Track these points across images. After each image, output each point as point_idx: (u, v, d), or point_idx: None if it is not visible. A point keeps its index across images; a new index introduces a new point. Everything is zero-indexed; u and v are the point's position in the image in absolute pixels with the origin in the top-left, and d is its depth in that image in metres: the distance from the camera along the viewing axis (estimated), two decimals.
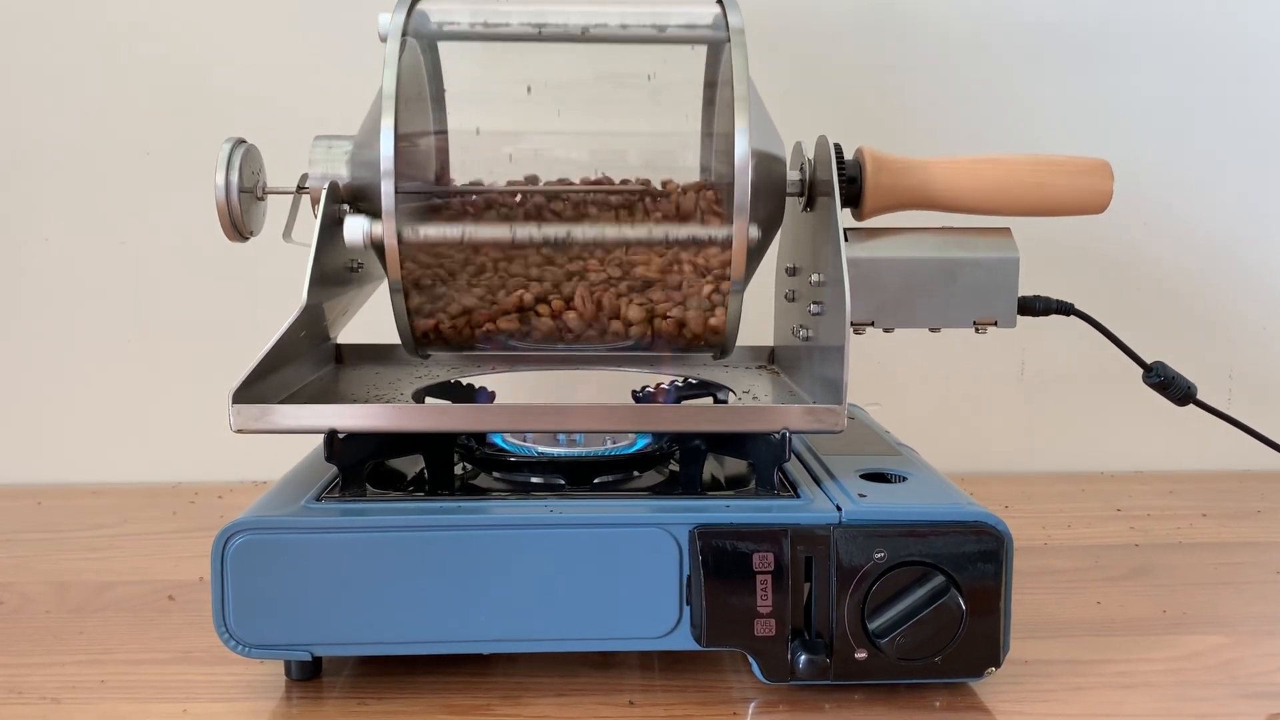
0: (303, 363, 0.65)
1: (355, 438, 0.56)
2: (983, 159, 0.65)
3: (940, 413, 1.00)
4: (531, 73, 0.64)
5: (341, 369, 0.74)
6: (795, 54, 0.95)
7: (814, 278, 0.63)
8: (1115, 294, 0.97)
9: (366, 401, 0.64)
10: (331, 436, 0.55)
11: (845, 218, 0.62)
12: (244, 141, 0.63)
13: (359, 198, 0.61)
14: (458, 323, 0.62)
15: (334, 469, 0.58)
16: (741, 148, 0.57)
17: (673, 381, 0.72)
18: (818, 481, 0.59)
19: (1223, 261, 1.00)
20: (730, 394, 0.70)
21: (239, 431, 0.55)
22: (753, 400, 0.66)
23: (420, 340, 0.62)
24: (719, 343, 0.63)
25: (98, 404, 0.95)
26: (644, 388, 0.72)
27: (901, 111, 0.96)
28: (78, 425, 0.96)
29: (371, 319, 0.72)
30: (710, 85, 0.67)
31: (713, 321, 0.62)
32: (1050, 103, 0.97)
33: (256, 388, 0.56)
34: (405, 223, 0.58)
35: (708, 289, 0.61)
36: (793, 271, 0.70)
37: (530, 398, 0.76)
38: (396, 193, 0.57)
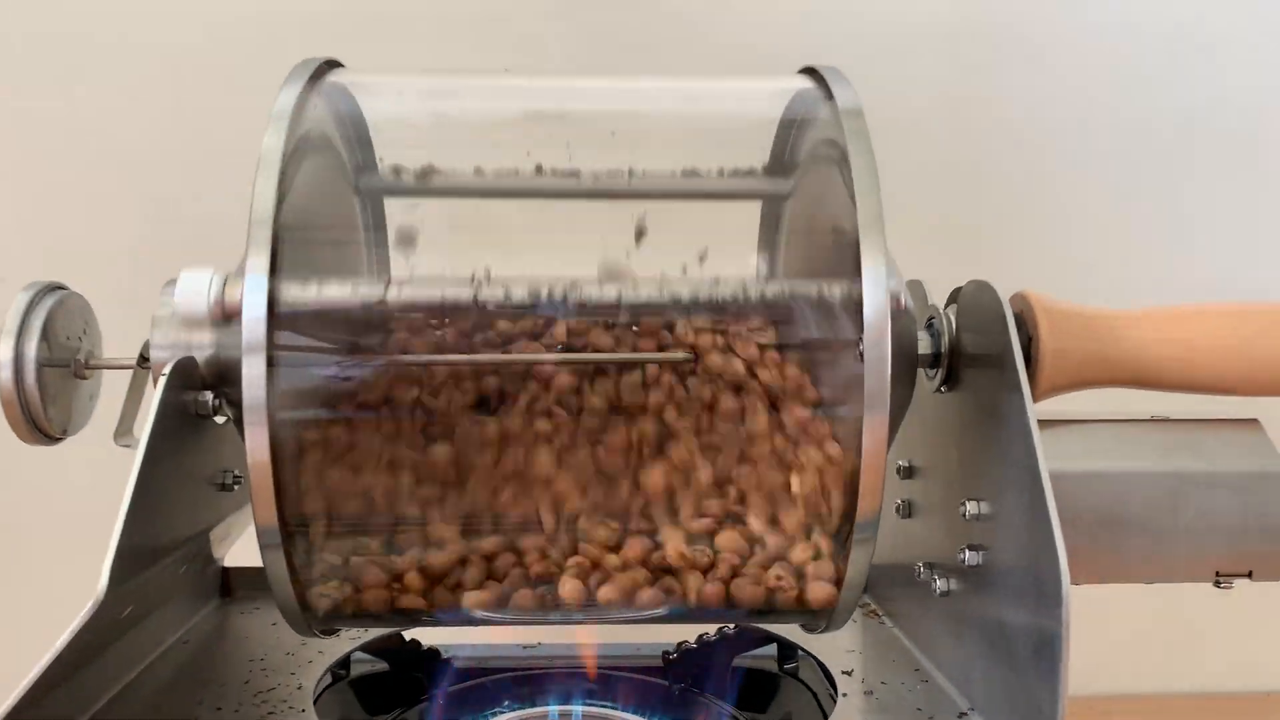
0: (171, 598, 0.42)
1: None
2: (1213, 310, 0.42)
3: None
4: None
5: (228, 610, 0.50)
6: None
7: (971, 508, 0.39)
8: None
9: (245, 697, 0.40)
10: None
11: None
12: (59, 288, 0.40)
13: (227, 381, 0.37)
14: (380, 593, 0.37)
15: None
16: (877, 298, 0.34)
17: (721, 630, 0.48)
18: None
19: None
20: (803, 652, 0.46)
21: None
22: (864, 690, 0.42)
23: (313, 618, 0.37)
24: (822, 612, 0.38)
25: None
26: (681, 644, 0.48)
27: (1019, 227, 0.72)
28: None
29: None
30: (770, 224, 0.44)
31: (819, 593, 0.37)
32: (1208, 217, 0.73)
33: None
34: (292, 422, 0.34)
35: (814, 539, 0.36)
36: (909, 473, 0.46)
37: (512, 641, 0.52)
38: (270, 367, 0.33)
